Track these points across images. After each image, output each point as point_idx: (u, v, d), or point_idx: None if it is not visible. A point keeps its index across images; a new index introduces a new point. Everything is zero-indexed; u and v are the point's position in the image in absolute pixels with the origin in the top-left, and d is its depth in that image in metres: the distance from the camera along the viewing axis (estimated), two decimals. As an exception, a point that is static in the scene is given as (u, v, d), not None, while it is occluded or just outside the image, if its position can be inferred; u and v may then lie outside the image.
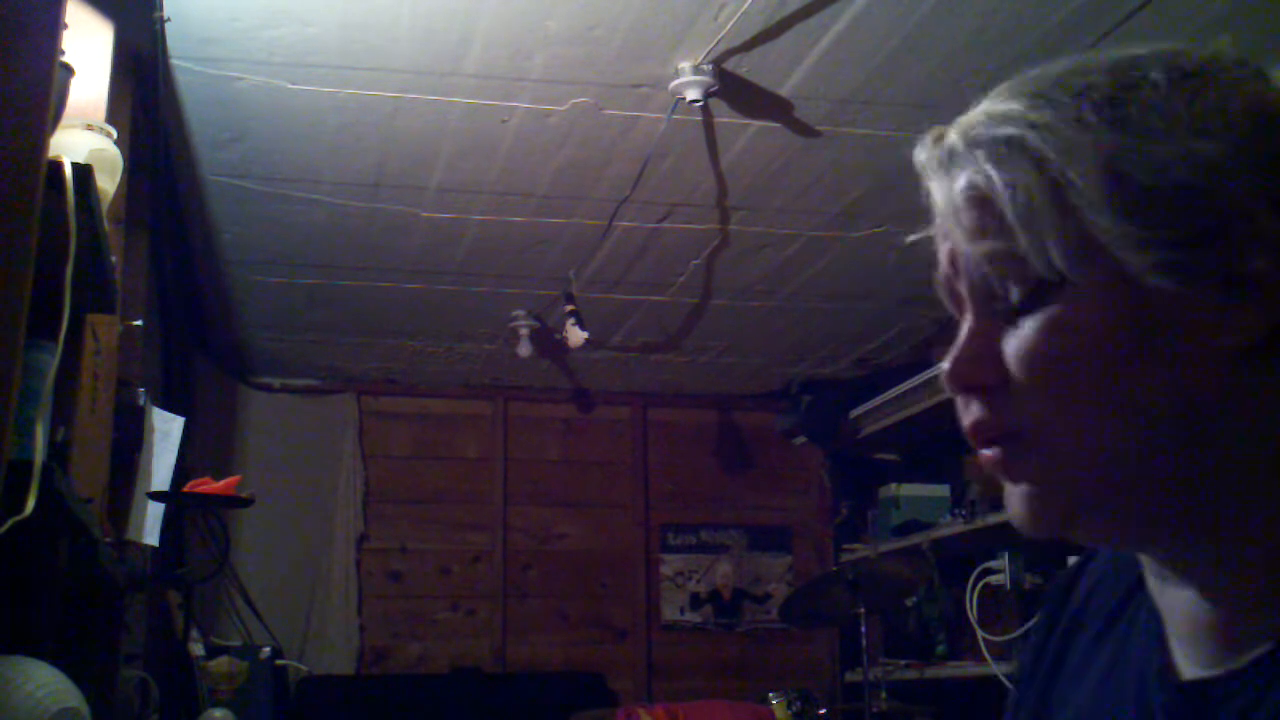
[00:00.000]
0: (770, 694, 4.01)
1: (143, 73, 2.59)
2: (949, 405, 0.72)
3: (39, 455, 1.40)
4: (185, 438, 2.81)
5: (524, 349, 4.36)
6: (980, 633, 4.06)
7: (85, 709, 1.54)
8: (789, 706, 3.89)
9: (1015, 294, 0.66)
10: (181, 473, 2.81)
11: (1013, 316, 0.66)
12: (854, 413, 4.92)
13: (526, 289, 4.13)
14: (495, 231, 3.64)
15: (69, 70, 1.70)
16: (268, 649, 3.85)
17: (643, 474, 5.38)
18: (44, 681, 1.48)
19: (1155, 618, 0.72)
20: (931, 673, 4.50)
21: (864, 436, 4.93)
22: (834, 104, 2.91)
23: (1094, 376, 0.64)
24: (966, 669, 4.31)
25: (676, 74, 2.71)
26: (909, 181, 0.73)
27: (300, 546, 4.86)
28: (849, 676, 5.08)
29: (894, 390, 4.56)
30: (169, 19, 2.47)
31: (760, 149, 3.14)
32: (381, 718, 4.57)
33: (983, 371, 0.68)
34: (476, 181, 3.30)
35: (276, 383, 5.05)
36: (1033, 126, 0.65)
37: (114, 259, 1.90)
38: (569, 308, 3.94)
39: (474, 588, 5.10)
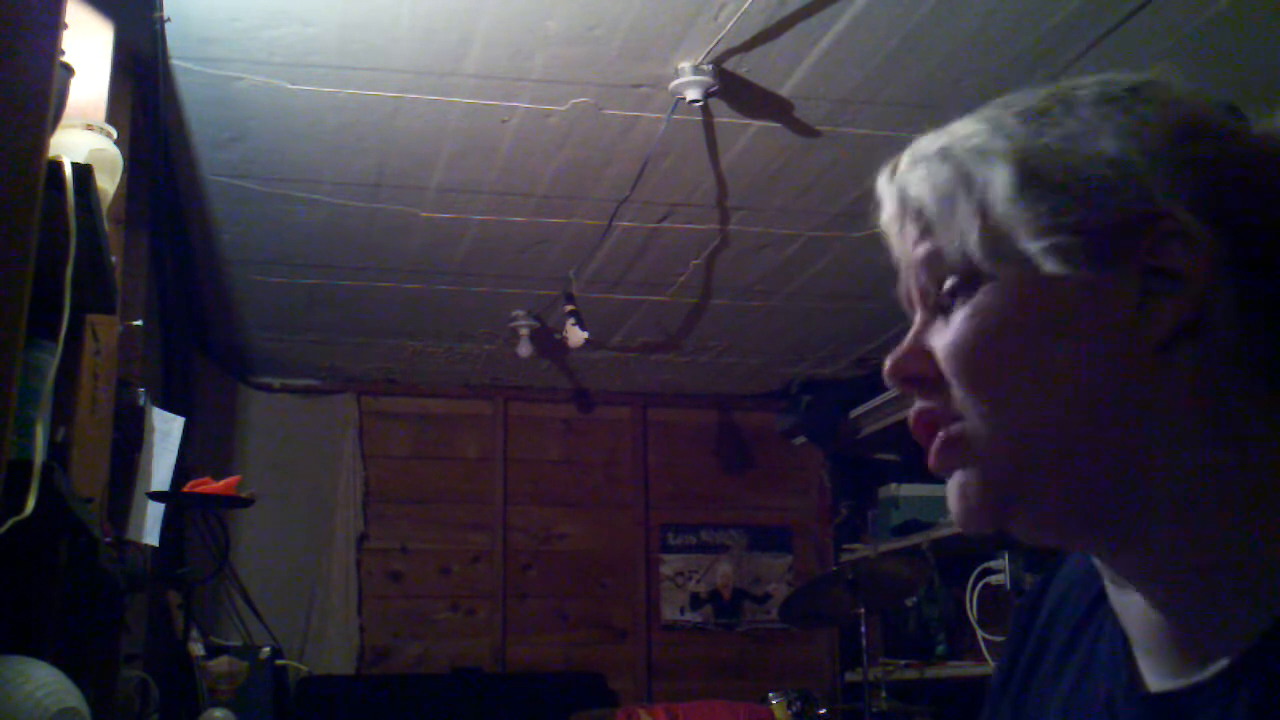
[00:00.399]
0: (770, 694, 4.01)
1: (143, 73, 2.59)
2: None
3: (39, 455, 1.40)
4: (185, 438, 2.81)
5: (524, 349, 4.36)
6: (980, 633, 4.07)
7: (85, 709, 1.54)
8: (789, 706, 3.89)
9: (946, 286, 0.70)
10: (181, 473, 2.81)
11: (943, 310, 0.70)
12: (854, 413, 4.92)
13: (526, 289, 4.13)
14: (495, 231, 3.64)
15: (69, 70, 1.70)
16: (268, 649, 3.85)
17: (643, 474, 5.38)
18: (44, 681, 1.48)
19: (1120, 629, 0.72)
20: (931, 673, 4.51)
21: (864, 436, 4.94)
22: (834, 104, 2.91)
23: (1006, 362, 0.67)
24: (966, 669, 4.31)
25: (676, 74, 2.71)
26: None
27: (300, 546, 4.86)
28: (849, 676, 5.08)
29: (894, 390, 4.54)
30: (169, 19, 2.47)
31: (760, 149, 3.14)
32: (381, 718, 4.57)
33: (917, 364, 0.71)
34: (476, 181, 3.30)
35: (276, 383, 5.05)
36: (962, 139, 0.70)
37: (114, 259, 1.90)
38: (569, 308, 3.94)
39: (474, 588, 5.10)
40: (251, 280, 4.03)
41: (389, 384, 5.18)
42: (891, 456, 5.16)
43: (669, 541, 5.35)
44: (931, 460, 0.71)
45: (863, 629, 4.01)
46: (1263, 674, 0.61)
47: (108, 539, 2.17)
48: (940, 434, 0.70)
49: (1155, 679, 0.69)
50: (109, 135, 1.82)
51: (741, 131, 3.05)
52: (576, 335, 3.90)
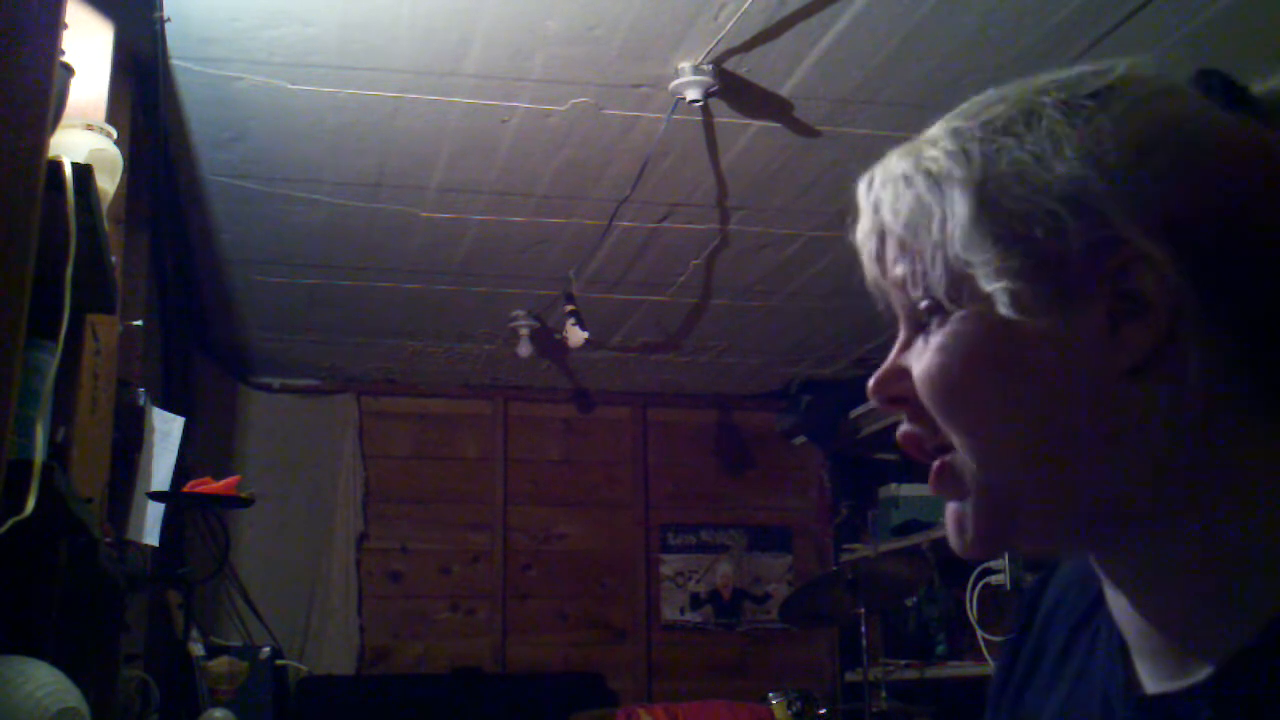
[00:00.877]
0: (770, 694, 4.01)
1: (143, 73, 2.59)
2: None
3: (39, 455, 1.40)
4: (185, 438, 2.81)
5: (524, 349, 4.36)
6: (980, 633, 4.06)
7: (85, 709, 1.54)
8: (789, 706, 3.89)
9: (920, 309, 0.70)
10: (181, 473, 2.81)
11: (923, 330, 0.70)
12: (854, 413, 4.93)
13: (526, 289, 4.13)
14: (495, 231, 3.64)
15: (69, 70, 1.70)
16: (268, 649, 3.85)
17: (643, 474, 5.38)
18: (44, 681, 1.48)
19: (1117, 630, 0.72)
20: (931, 673, 4.51)
21: (864, 436, 4.94)
22: (834, 104, 2.91)
23: (974, 397, 0.67)
24: (966, 669, 4.31)
25: (676, 74, 2.71)
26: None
27: (300, 546, 4.86)
28: (849, 676, 5.08)
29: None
30: (169, 19, 2.47)
31: (760, 149, 3.14)
32: (381, 718, 4.57)
33: (897, 386, 0.71)
34: (476, 181, 3.30)
35: (276, 383, 5.05)
36: (927, 160, 0.69)
37: (114, 259, 1.90)
38: (569, 308, 3.94)
39: (474, 588, 5.10)
40: (251, 280, 4.03)
41: (389, 384, 5.18)
42: (891, 456, 5.16)
43: (669, 541, 5.35)
44: (931, 485, 0.71)
45: (863, 629, 4.01)
46: (1253, 677, 0.61)
47: (108, 539, 2.17)
48: (935, 464, 0.70)
49: (1151, 681, 0.69)
50: (109, 135, 1.82)
51: (741, 131, 3.05)
52: (576, 335, 3.90)
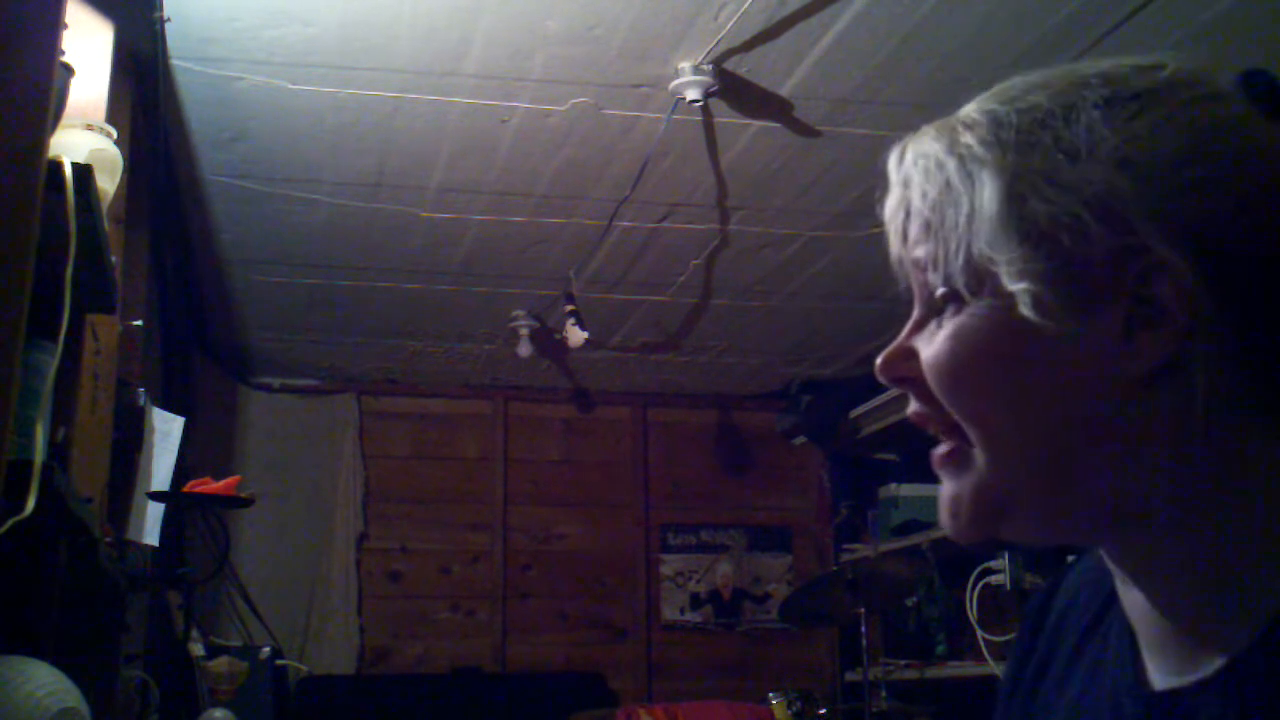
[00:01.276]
0: (770, 694, 4.00)
1: (143, 73, 2.59)
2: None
3: (39, 455, 1.40)
4: (185, 438, 2.81)
5: (524, 349, 4.36)
6: (980, 633, 4.06)
7: (85, 709, 1.54)
8: (789, 706, 3.89)
9: (937, 295, 0.69)
10: (181, 473, 2.81)
11: (937, 313, 0.70)
12: (854, 413, 4.92)
13: (526, 289, 4.13)
14: (495, 231, 3.64)
15: (69, 70, 1.70)
16: (268, 649, 3.85)
17: (643, 474, 5.38)
18: (44, 681, 1.48)
19: (1128, 626, 0.73)
20: (931, 673, 4.51)
21: (864, 436, 4.93)
22: (834, 104, 2.91)
23: (983, 389, 0.67)
24: (966, 669, 4.31)
25: (676, 74, 2.71)
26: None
27: (300, 546, 4.86)
28: (849, 676, 5.08)
29: (894, 390, 4.55)
30: (169, 19, 2.47)
31: (760, 149, 3.14)
32: (381, 718, 4.57)
33: (905, 366, 0.71)
34: (476, 181, 3.30)
35: (276, 383, 5.05)
36: (961, 145, 0.68)
37: (114, 259, 1.90)
38: (569, 308, 3.94)
39: (474, 588, 5.10)
40: (251, 280, 4.03)
41: (389, 384, 5.18)
42: (891, 456, 5.16)
43: (669, 541, 5.35)
44: (935, 463, 0.72)
45: (863, 629, 4.01)
46: (1261, 671, 0.61)
47: (108, 539, 2.17)
48: (944, 445, 0.70)
49: (1160, 676, 0.69)
50: (109, 135, 1.82)
51: (741, 131, 3.05)
52: (576, 335, 3.90)
